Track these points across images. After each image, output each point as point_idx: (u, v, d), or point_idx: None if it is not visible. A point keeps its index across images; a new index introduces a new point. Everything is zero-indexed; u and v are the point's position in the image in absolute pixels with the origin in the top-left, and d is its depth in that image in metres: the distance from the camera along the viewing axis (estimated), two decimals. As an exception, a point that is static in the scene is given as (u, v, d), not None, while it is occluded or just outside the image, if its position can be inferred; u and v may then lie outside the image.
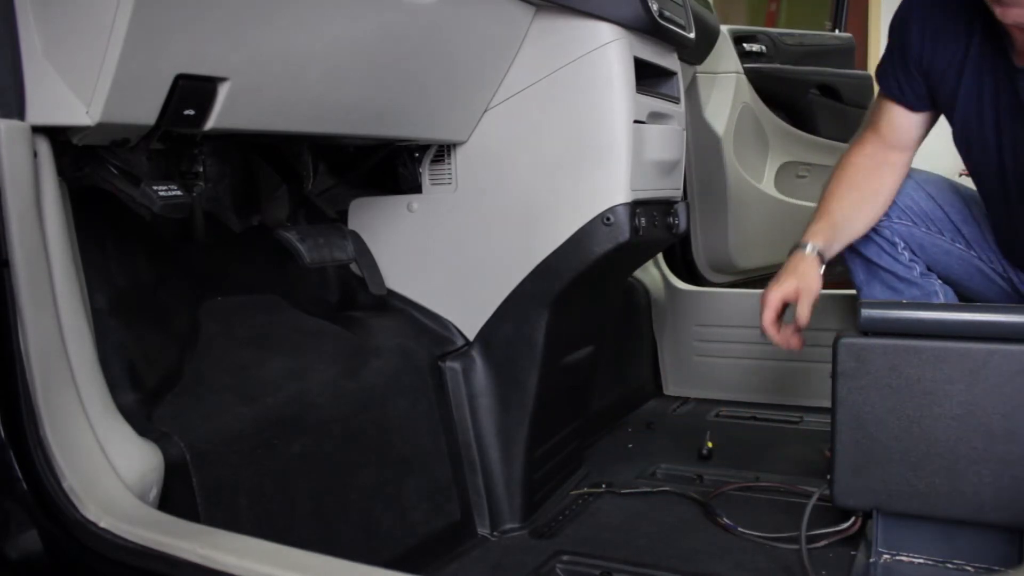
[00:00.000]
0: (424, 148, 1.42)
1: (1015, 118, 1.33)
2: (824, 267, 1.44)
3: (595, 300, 1.53)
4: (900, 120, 1.51)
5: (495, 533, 1.38)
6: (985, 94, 1.36)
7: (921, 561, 1.22)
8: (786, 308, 1.43)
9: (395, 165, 1.49)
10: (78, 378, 0.86)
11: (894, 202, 1.51)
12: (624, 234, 1.28)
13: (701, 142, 2.28)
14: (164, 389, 1.05)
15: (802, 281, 1.41)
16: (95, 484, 0.83)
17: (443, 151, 1.41)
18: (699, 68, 2.18)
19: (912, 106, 1.49)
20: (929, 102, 1.47)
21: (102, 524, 0.80)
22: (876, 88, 1.55)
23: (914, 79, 1.45)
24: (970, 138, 1.41)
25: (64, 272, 0.86)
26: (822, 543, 1.29)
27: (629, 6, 1.27)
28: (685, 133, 1.52)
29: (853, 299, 1.71)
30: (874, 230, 1.52)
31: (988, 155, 1.39)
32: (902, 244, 1.52)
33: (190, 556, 0.76)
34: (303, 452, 1.09)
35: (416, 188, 1.44)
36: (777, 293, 1.41)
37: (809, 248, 1.44)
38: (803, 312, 1.40)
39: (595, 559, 1.28)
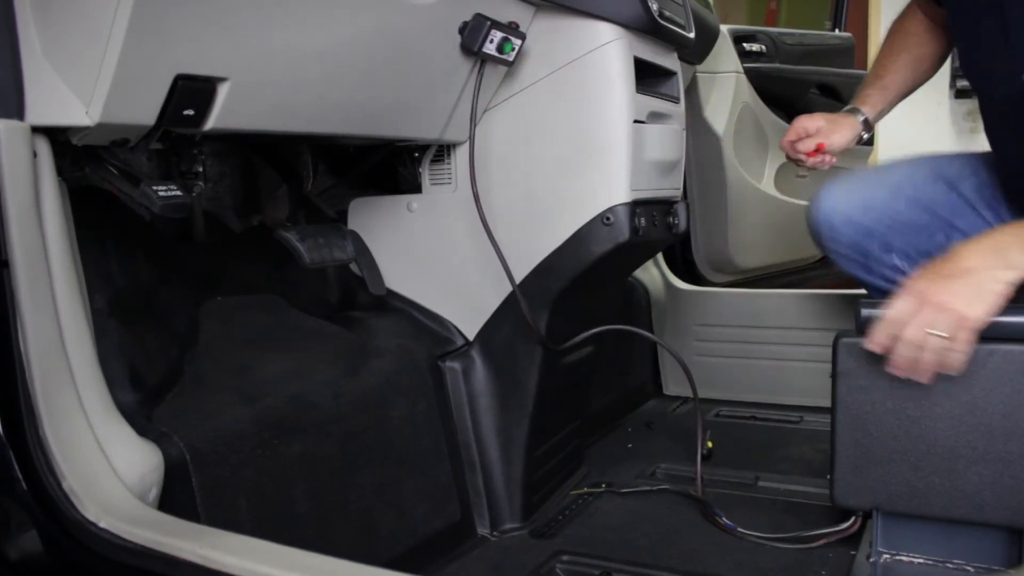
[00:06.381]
0: (424, 148, 1.42)
1: None
2: (865, 134, 1.55)
3: (595, 300, 1.53)
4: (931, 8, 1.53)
5: (495, 533, 1.38)
6: None
7: (921, 561, 1.22)
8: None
9: (395, 165, 1.49)
10: (78, 378, 0.86)
11: (885, 224, 1.45)
12: (624, 234, 1.28)
13: (701, 142, 2.28)
14: (164, 389, 1.05)
15: (830, 128, 1.52)
16: (95, 484, 0.83)
17: (443, 151, 1.41)
18: (699, 68, 2.18)
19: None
20: None
21: (102, 524, 0.80)
22: None
23: None
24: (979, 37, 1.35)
25: (64, 272, 0.86)
26: (822, 543, 1.29)
27: (629, 6, 1.27)
28: (685, 133, 1.52)
29: (853, 299, 1.71)
30: (868, 270, 1.48)
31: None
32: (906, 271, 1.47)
33: (190, 556, 0.76)
34: (303, 452, 1.09)
35: (416, 188, 1.44)
36: (805, 120, 1.54)
37: (858, 114, 1.55)
38: (800, 148, 1.53)
39: (595, 559, 1.28)
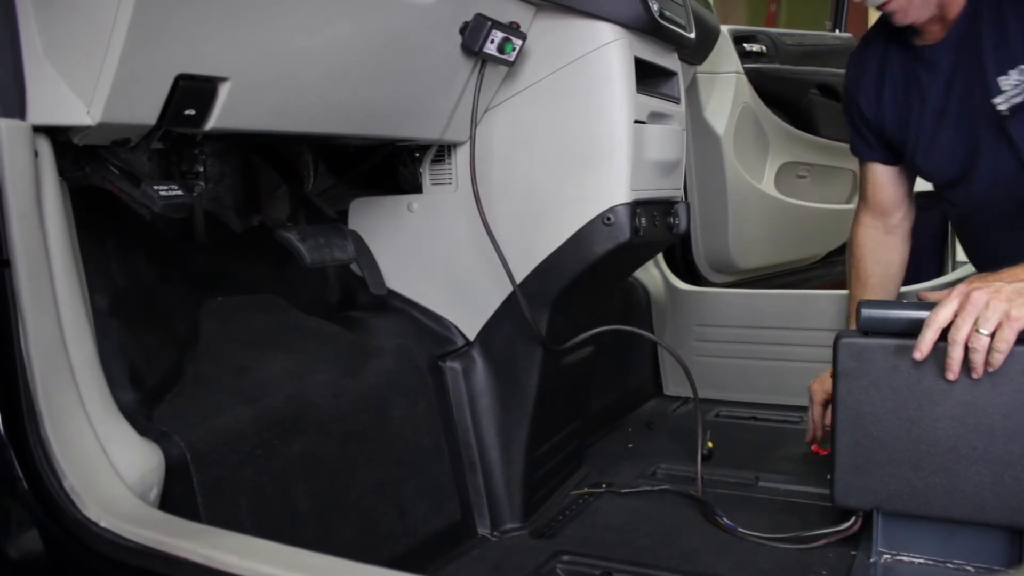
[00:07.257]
0: (424, 148, 1.42)
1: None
2: None
3: (595, 300, 1.53)
4: (882, 179, 1.58)
5: (495, 533, 1.38)
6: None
7: (921, 561, 1.22)
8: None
9: (395, 165, 1.49)
10: (78, 378, 0.86)
11: None
12: (624, 234, 1.28)
13: (701, 142, 2.28)
14: (164, 389, 1.05)
15: None
16: (96, 484, 0.83)
17: (443, 151, 1.41)
18: (699, 68, 2.18)
19: (886, 160, 1.56)
20: (894, 153, 1.54)
21: (103, 524, 0.80)
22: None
23: (874, 134, 1.53)
24: (934, 153, 1.45)
25: (64, 272, 0.86)
26: (822, 543, 1.29)
27: (629, 6, 1.27)
28: (685, 133, 1.52)
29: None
30: None
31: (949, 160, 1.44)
32: None
33: (191, 556, 0.76)
34: (303, 452, 1.09)
35: (416, 188, 1.44)
36: (821, 393, 1.54)
37: None
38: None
39: (595, 559, 1.28)
